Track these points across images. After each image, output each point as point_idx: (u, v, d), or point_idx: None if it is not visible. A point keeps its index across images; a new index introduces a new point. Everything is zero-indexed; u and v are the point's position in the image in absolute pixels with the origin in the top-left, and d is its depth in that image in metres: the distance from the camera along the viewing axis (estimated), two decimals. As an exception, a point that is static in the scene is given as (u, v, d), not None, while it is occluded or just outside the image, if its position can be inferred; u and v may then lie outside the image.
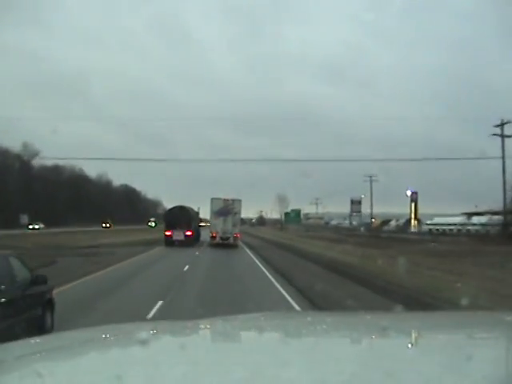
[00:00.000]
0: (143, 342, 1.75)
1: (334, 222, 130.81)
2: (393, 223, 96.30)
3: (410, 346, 1.91)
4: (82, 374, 1.42)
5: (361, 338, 2.05)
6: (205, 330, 2.30)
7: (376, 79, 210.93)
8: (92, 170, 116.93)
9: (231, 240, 39.20)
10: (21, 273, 7.99)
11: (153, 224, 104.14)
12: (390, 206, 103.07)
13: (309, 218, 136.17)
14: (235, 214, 40.53)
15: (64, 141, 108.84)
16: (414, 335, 2.11)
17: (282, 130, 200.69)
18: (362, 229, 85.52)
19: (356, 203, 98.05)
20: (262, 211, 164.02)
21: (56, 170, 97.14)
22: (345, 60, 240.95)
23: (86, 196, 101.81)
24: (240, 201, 41.67)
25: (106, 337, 2.05)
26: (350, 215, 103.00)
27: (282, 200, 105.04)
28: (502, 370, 1.46)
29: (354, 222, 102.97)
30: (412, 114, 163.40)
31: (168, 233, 38.97)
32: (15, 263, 8.07)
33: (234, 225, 40.00)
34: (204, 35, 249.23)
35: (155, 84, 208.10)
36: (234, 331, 2.26)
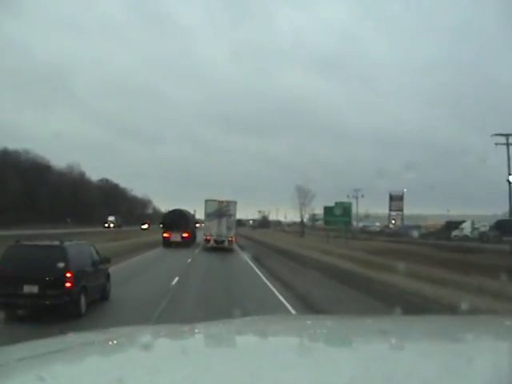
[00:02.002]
0: (144, 346, 1.75)
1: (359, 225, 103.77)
2: (466, 226, 61.82)
3: (410, 349, 1.88)
4: (84, 378, 1.43)
5: (361, 342, 2.02)
6: (205, 333, 2.28)
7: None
8: (63, 162, 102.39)
9: (226, 244, 37.73)
10: (95, 255, 13.35)
11: (145, 226, 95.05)
12: (423, 207, 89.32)
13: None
14: (230, 216, 39.20)
15: (34, 129, 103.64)
16: (413, 339, 2.07)
17: (274, 126, 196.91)
18: (415, 234, 63.70)
19: (397, 199, 78.93)
20: (260, 211, 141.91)
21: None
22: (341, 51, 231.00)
23: (46, 189, 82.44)
24: (235, 202, 40.34)
25: (107, 340, 2.05)
26: (389, 215, 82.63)
27: (303, 193, 73.42)
28: (503, 374, 1.44)
29: (392, 225, 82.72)
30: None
31: (166, 234, 40.90)
32: (92, 249, 13.52)
33: (229, 228, 38.60)
34: (190, 23, 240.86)
35: (139, 76, 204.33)
36: (235, 335, 2.24)
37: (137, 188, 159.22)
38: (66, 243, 11.89)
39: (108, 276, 14.01)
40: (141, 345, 1.80)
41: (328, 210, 51.01)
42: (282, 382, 1.35)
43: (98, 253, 13.84)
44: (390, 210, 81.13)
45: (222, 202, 39.44)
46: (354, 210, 65.38)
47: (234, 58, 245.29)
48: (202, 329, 2.33)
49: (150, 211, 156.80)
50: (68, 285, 10.75)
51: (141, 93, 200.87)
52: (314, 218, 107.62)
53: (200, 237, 43.96)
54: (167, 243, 39.81)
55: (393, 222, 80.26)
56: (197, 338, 2.23)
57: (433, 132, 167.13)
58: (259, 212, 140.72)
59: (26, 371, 1.51)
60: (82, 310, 11.19)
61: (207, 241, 38.16)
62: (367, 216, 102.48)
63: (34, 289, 10.56)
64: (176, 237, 40.20)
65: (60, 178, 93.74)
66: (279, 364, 1.53)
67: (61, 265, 10.84)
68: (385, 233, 74.95)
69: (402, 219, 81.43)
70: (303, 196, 73.61)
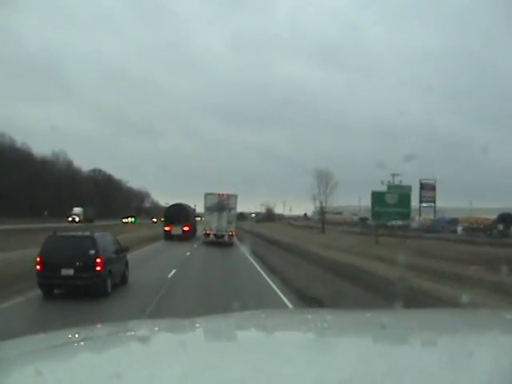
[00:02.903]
0: (143, 340, 1.74)
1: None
2: None
3: (410, 343, 1.90)
4: (82, 372, 1.43)
5: (361, 336, 2.03)
6: (204, 327, 2.28)
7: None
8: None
9: (226, 238, 37.10)
10: (116, 244, 15.70)
11: (131, 220, 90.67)
12: (439, 200, 74.89)
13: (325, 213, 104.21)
14: (230, 210, 38.57)
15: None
16: (414, 332, 2.08)
17: (274, 118, 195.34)
18: (458, 230, 53.60)
19: (428, 189, 65.81)
20: (263, 204, 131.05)
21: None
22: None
23: (23, 178, 74.39)
24: (236, 196, 39.75)
25: (105, 335, 2.05)
26: (420, 208, 68.36)
27: (323, 178, 62.11)
28: (503, 368, 1.43)
29: (421, 218, 67.87)
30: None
31: (167, 228, 42.28)
32: (114, 239, 16.05)
33: (229, 222, 37.96)
34: (186, 10, 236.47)
35: (135, 67, 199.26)
36: (234, 328, 2.24)
37: (134, 180, 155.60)
38: (96, 234, 14.21)
39: (127, 263, 16.23)
40: (139, 339, 1.78)
41: (377, 198, 35.84)
42: (283, 375, 1.35)
43: (118, 242, 16.15)
44: (421, 201, 66.97)
45: (222, 195, 39.04)
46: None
47: (231, 47, 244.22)
48: (201, 323, 2.32)
49: (148, 204, 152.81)
50: (98, 268, 12.93)
51: (137, 84, 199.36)
52: (322, 210, 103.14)
53: (200, 231, 43.96)
54: (168, 236, 41.00)
55: (413, 216, 73.16)
56: (196, 332, 2.23)
57: (448, 125, 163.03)
58: (261, 205, 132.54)
59: (24, 366, 1.51)
60: (108, 290, 13.34)
61: (207, 235, 37.70)
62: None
63: (70, 272, 12.72)
64: (177, 230, 41.35)
65: (43, 166, 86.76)
66: (279, 358, 1.53)
67: (92, 252, 13.05)
68: (412, 228, 60.15)
69: (435, 212, 68.59)
70: (323, 183, 62.16)
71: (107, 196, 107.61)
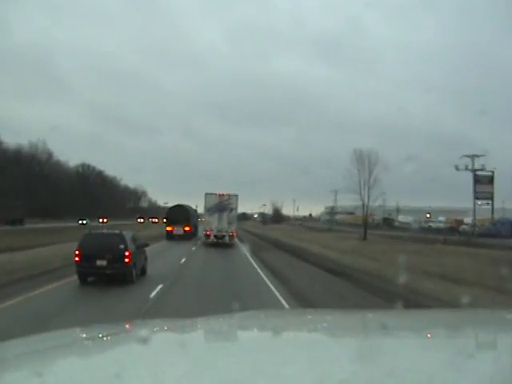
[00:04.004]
0: (143, 341, 1.74)
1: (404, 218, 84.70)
2: None
3: (410, 344, 1.87)
4: (82, 373, 1.43)
5: (361, 336, 2.05)
6: (205, 327, 2.28)
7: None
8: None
9: (227, 239, 36.81)
10: (136, 241, 18.00)
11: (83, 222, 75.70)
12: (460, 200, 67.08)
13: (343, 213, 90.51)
14: (231, 210, 38.36)
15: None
16: (414, 333, 2.08)
17: (275, 116, 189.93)
18: None
19: (484, 182, 51.13)
20: (264, 204, 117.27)
21: None
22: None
23: None
24: (236, 196, 39.43)
25: (106, 335, 2.06)
26: (475, 205, 52.36)
27: (365, 162, 46.47)
28: (504, 368, 1.43)
29: (469, 224, 56.35)
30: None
31: (169, 228, 44.36)
32: (135, 236, 18.60)
33: (230, 222, 37.66)
34: (182, 2, 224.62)
35: (129, 62, 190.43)
36: (234, 329, 2.25)
37: (130, 179, 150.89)
38: (124, 232, 17.12)
39: (146, 257, 18.83)
40: (139, 339, 1.77)
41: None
42: (283, 376, 1.35)
43: (139, 240, 19.11)
44: (476, 197, 51.35)
45: (223, 195, 38.63)
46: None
47: (231, 44, 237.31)
48: (202, 323, 2.31)
49: (144, 204, 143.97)
50: (126, 260, 15.64)
51: (132, 80, 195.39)
52: (332, 210, 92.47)
53: (202, 231, 43.94)
54: (170, 236, 42.83)
55: (427, 215, 64.75)
56: (197, 333, 2.23)
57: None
58: (264, 205, 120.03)
59: (24, 367, 1.51)
60: (134, 279, 16.05)
61: (207, 236, 37.29)
62: (398, 209, 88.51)
63: (103, 263, 15.40)
64: (178, 230, 43.27)
65: (15, 156, 77.57)
66: (280, 358, 1.53)
67: (122, 246, 15.81)
68: (464, 232, 53.16)
69: (492, 212, 54.56)
70: (365, 170, 46.11)
71: (96, 194, 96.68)
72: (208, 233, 37.29)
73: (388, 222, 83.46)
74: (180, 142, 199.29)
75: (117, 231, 17.36)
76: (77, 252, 15.62)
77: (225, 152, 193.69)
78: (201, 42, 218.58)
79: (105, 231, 18.42)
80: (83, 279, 15.61)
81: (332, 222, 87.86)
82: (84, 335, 2.12)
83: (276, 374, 1.36)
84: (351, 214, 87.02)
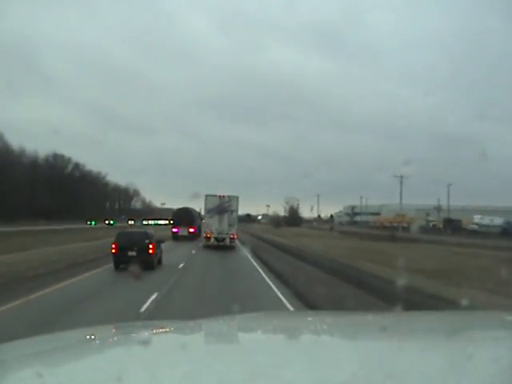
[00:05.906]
0: (144, 342, 1.79)
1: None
2: None
3: (410, 345, 1.88)
4: (83, 374, 1.44)
5: (361, 338, 2.06)
6: (205, 329, 2.30)
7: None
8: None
9: (227, 241, 36.29)
10: (154, 237, 22.55)
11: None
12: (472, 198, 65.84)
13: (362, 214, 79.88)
14: (232, 212, 37.82)
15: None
16: (414, 335, 2.12)
17: (273, 114, 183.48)
18: None
19: None
20: (267, 205, 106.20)
21: None
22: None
23: None
24: (237, 197, 38.82)
25: (106, 337, 2.13)
26: None
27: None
28: (503, 370, 1.44)
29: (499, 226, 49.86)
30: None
31: (175, 229, 49.39)
32: (153, 233, 23.35)
33: (231, 224, 37.12)
34: None
35: (118, 57, 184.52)
36: (235, 331, 2.31)
37: (123, 177, 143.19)
38: (148, 230, 23.03)
39: (161, 250, 23.90)
40: (140, 341, 1.80)
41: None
42: (283, 378, 1.36)
43: (156, 236, 24.26)
44: None
45: (223, 196, 38.13)
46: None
47: (223, 34, 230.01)
48: (202, 325, 2.33)
49: (137, 204, 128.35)
50: (151, 251, 20.82)
51: (122, 76, 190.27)
52: (352, 210, 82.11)
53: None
54: (176, 237, 47.02)
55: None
56: (197, 334, 2.25)
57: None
58: (267, 206, 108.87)
59: (25, 368, 1.53)
60: (154, 266, 21.06)
61: (207, 238, 36.68)
62: (438, 209, 79.90)
63: (134, 253, 20.41)
64: (183, 231, 48.06)
65: None
66: (280, 360, 1.54)
67: (147, 241, 20.98)
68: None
69: None
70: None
71: (70, 191, 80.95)
72: (208, 235, 36.75)
73: (454, 225, 66.80)
74: (177, 141, 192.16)
75: (143, 230, 23.18)
76: (113, 246, 20.74)
77: (224, 152, 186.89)
78: (196, 37, 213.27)
79: (134, 230, 24.65)
80: (117, 266, 20.47)
81: (351, 223, 71.99)
82: (84, 337, 2.14)
83: (276, 375, 1.38)
84: (376, 214, 77.90)
